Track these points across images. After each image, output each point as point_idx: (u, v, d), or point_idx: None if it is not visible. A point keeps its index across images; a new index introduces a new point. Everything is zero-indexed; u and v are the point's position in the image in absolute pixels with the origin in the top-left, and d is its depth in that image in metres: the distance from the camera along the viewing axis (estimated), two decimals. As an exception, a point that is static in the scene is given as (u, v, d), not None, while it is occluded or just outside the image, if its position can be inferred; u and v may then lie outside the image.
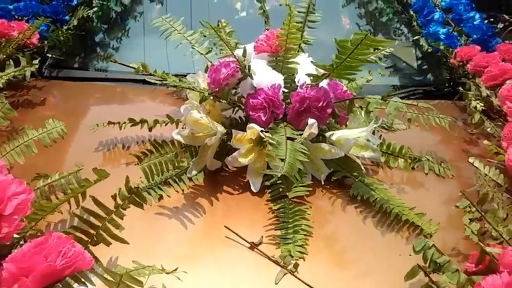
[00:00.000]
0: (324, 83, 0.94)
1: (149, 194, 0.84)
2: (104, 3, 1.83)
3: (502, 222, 0.76)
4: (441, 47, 1.58)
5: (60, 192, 0.76)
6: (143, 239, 0.75)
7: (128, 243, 0.62)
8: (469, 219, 0.75)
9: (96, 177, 0.63)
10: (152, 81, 0.96)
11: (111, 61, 0.95)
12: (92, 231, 0.60)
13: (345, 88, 0.99)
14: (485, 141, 1.00)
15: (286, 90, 0.94)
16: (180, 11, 1.41)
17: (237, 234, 0.75)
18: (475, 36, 1.64)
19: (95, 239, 0.60)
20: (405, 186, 0.96)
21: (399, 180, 0.98)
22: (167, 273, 0.62)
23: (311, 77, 0.90)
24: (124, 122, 1.00)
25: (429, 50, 1.65)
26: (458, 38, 1.67)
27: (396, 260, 0.75)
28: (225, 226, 0.75)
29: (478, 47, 1.49)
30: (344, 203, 0.88)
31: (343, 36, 1.00)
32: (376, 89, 1.21)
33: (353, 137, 0.91)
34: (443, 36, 1.64)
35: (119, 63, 0.94)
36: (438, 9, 1.80)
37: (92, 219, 0.61)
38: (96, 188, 0.65)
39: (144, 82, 1.37)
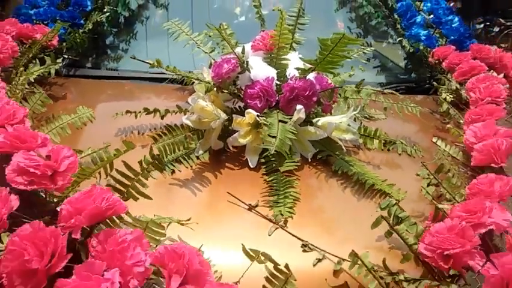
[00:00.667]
0: (311, 77, 1.11)
1: (164, 169, 1.00)
2: (114, 8, 2.00)
3: (457, 188, 0.92)
4: (421, 47, 1.75)
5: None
6: (160, 203, 0.90)
7: (151, 199, 0.78)
8: (427, 184, 0.91)
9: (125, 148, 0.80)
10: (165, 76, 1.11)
11: (131, 58, 1.10)
12: (123, 189, 0.77)
13: (330, 81, 1.16)
14: (448, 125, 1.17)
15: (278, 83, 1.10)
16: (182, 16, 1.50)
17: (237, 199, 0.91)
18: (452, 37, 1.80)
19: (126, 195, 0.76)
20: (380, 164, 1.13)
21: (376, 159, 1.15)
22: (182, 224, 0.78)
23: (299, 71, 1.07)
24: (140, 112, 1.17)
25: (410, 50, 1.82)
26: (438, 39, 1.83)
27: (368, 220, 0.91)
28: (228, 192, 0.92)
29: (453, 47, 1.65)
30: (327, 177, 1.04)
31: None
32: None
33: (335, 121, 1.08)
34: (424, 37, 1.81)
35: (137, 60, 1.10)
36: (421, 13, 1.97)
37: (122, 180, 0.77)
38: (119, 161, 0.80)
39: (150, 80, 1.56)
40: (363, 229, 0.86)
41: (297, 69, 1.08)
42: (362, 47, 1.39)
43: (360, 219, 0.91)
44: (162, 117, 1.16)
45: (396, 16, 1.98)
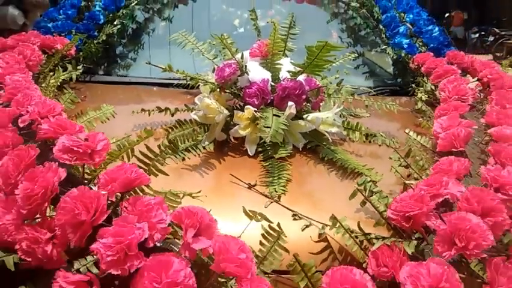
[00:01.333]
0: (302, 78, 1.29)
1: (176, 156, 1.17)
2: (123, 21, 2.19)
3: (423, 169, 1.10)
4: (403, 54, 1.94)
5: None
6: (173, 183, 1.06)
7: (168, 175, 0.95)
8: (398, 165, 1.08)
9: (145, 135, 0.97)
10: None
11: (146, 63, 1.28)
12: (145, 167, 0.94)
13: (318, 82, 1.34)
14: (420, 119, 1.34)
15: (273, 84, 1.28)
16: (184, 28, 1.62)
17: (238, 179, 1.08)
18: (432, 45, 1.99)
19: (148, 172, 0.93)
20: (362, 153, 1.30)
21: (359, 150, 1.32)
22: (193, 196, 0.95)
23: (290, 73, 1.25)
24: (153, 110, 1.34)
25: (394, 57, 2.01)
26: (418, 47, 2.02)
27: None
28: (230, 174, 1.08)
29: (431, 54, 1.84)
30: (315, 163, 1.21)
31: None
32: (356, 90, 1.55)
33: (322, 116, 1.26)
34: (406, 45, 2.00)
35: (151, 65, 1.27)
36: (404, 24, 2.16)
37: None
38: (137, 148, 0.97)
39: (156, 84, 1.74)
40: (344, 204, 1.02)
41: (289, 72, 1.25)
42: (349, 54, 1.58)
43: (342, 197, 1.07)
44: (172, 115, 1.34)
45: (381, 26, 2.18)
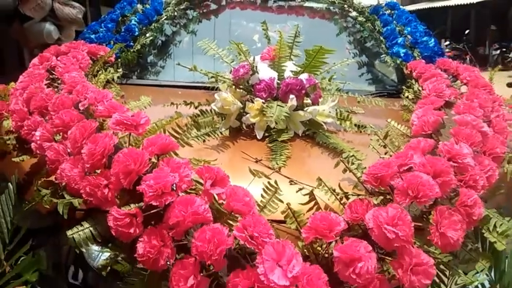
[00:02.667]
0: (304, 77, 1.56)
1: (198, 139, 1.44)
2: (154, 34, 2.51)
3: (398, 148, 1.34)
4: (398, 62, 2.19)
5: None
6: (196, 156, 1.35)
7: (192, 146, 1.23)
8: (378, 144, 1.34)
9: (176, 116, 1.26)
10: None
11: (177, 64, 1.58)
12: (175, 140, 1.22)
13: (316, 81, 1.60)
14: (401, 111, 1.59)
15: (278, 82, 1.56)
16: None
17: (247, 155, 1.35)
18: (425, 53, 2.24)
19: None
20: (353, 141, 1.55)
21: (350, 138, 1.58)
22: (209, 162, 1.22)
23: (293, 73, 1.52)
24: (180, 103, 1.63)
25: (391, 65, 2.26)
26: (415, 56, 2.27)
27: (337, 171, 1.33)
28: (242, 151, 1.36)
29: (423, 61, 2.09)
30: (312, 146, 1.48)
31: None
32: (358, 93, 1.81)
33: (319, 109, 1.52)
34: (403, 54, 2.25)
35: (181, 66, 1.56)
36: (403, 35, 2.42)
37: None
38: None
39: (179, 87, 2.04)
40: (331, 173, 1.27)
41: (292, 71, 1.53)
42: (345, 60, 1.84)
43: (331, 170, 1.33)
44: (196, 108, 1.62)
45: (382, 38, 2.44)
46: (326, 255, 1.03)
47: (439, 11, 22.12)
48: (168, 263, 0.97)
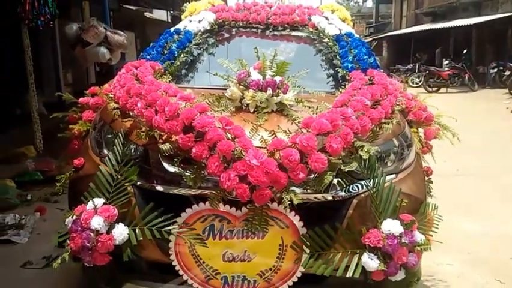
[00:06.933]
0: (278, 79, 2.78)
1: (215, 112, 2.65)
2: (187, 55, 3.76)
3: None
4: (344, 72, 3.40)
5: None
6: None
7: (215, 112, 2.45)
8: (312, 112, 2.54)
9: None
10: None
11: (207, 72, 2.82)
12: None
13: (285, 80, 2.82)
14: (334, 99, 2.80)
15: (262, 81, 2.77)
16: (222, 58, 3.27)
17: (246, 121, 2.55)
18: (363, 67, 3.43)
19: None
20: (301, 112, 2.76)
21: (301, 112, 2.78)
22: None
23: (271, 75, 2.75)
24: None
25: (342, 74, 3.47)
26: (356, 68, 3.46)
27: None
28: (242, 118, 2.56)
29: (359, 71, 3.28)
30: (280, 115, 2.68)
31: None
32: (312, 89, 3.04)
33: (285, 96, 2.74)
34: (350, 67, 3.46)
35: (209, 73, 2.80)
36: (351, 55, 3.62)
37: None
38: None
39: (205, 89, 3.28)
40: (289, 127, 2.49)
41: (270, 75, 2.76)
42: (304, 71, 3.04)
43: (289, 125, 2.53)
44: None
45: (338, 57, 3.66)
46: (278, 157, 2.22)
47: (442, 31, 23.23)
48: (205, 156, 2.18)
